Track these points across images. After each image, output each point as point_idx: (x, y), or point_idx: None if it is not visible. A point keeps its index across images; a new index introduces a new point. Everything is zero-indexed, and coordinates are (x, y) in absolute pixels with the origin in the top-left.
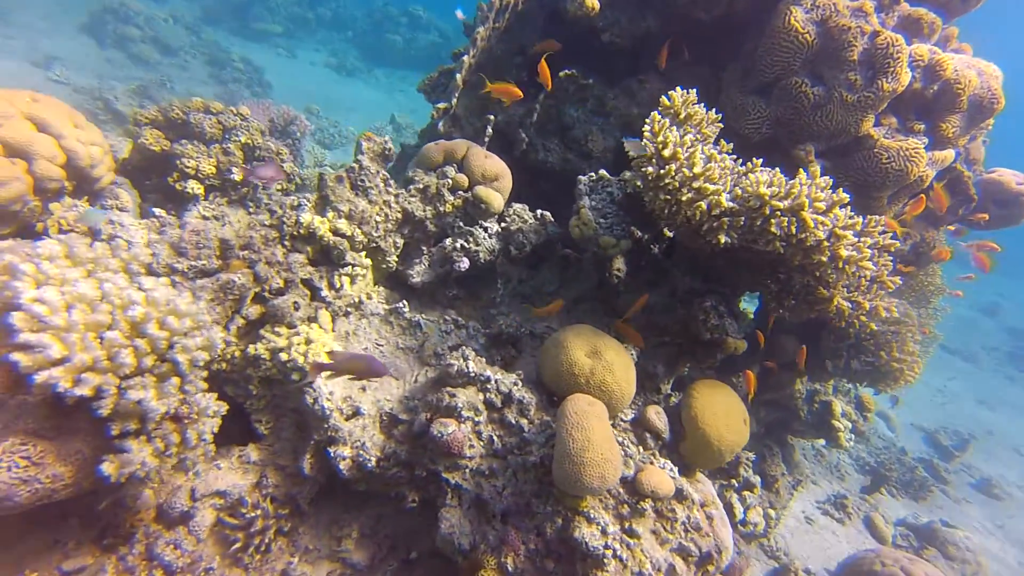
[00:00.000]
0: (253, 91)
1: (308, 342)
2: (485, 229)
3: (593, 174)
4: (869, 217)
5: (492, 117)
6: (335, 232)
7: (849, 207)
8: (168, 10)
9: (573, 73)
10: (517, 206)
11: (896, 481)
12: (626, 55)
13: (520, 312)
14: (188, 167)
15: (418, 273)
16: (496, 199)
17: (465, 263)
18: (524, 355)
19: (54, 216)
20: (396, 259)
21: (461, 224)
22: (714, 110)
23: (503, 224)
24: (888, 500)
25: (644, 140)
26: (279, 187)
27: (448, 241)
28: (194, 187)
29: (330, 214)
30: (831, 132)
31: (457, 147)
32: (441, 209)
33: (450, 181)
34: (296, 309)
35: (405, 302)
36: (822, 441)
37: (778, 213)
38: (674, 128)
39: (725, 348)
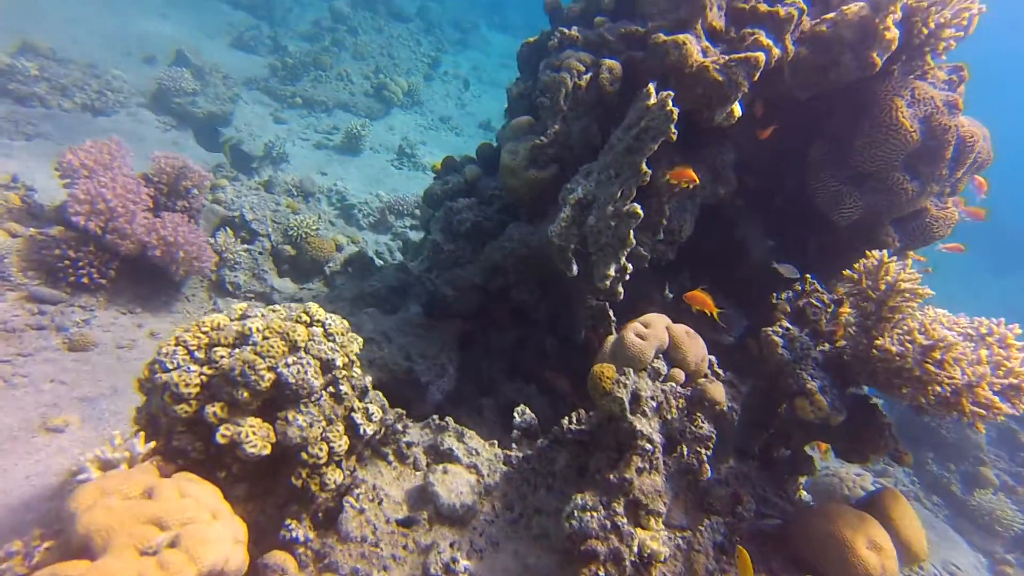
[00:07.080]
0: None
1: None
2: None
3: (781, 331)
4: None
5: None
6: None
7: None
8: None
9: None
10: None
11: None
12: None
13: None
14: (319, 457)
15: None
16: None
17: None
18: None
19: None
20: None
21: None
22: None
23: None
24: None
25: (915, 335)
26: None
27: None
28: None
29: None
30: (908, 213)
31: (659, 330)
32: (668, 417)
33: (675, 387)
34: None
35: None
36: None
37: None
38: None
39: None
